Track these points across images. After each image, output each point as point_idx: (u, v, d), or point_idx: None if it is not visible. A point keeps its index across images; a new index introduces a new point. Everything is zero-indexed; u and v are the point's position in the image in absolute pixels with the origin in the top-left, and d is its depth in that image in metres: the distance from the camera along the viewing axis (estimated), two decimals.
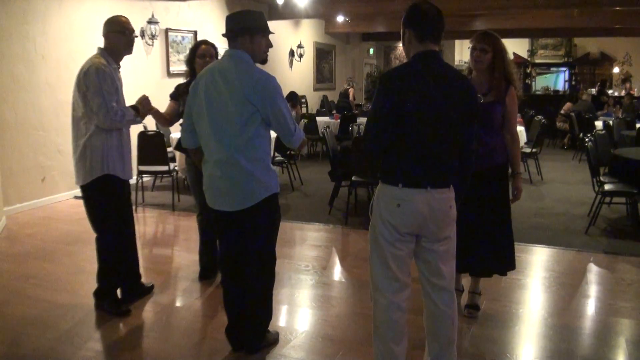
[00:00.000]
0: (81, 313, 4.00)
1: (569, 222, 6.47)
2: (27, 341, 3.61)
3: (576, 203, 7.30)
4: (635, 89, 16.64)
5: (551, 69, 19.00)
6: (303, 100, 14.17)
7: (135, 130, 5.72)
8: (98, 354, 3.50)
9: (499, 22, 12.99)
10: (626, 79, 17.44)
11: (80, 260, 5.10)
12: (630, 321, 3.92)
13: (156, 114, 4.24)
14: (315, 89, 15.73)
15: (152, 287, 4.38)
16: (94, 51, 3.85)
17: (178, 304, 4.28)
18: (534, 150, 9.09)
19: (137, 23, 8.79)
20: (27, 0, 7.01)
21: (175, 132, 7.69)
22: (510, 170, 3.79)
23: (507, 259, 3.85)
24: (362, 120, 10.28)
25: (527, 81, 18.65)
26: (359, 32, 17.52)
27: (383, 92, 2.60)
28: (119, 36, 3.81)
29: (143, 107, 3.89)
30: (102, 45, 3.86)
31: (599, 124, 11.16)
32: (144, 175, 7.23)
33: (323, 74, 16.31)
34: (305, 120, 10.93)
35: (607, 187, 6.09)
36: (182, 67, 9.46)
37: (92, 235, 4.00)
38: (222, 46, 3.54)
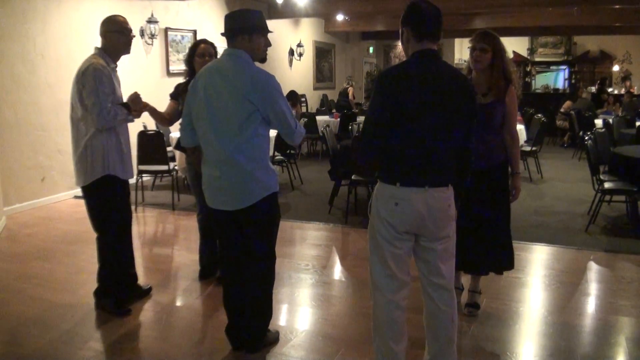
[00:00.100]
0: (81, 313, 4.01)
1: (568, 220, 6.47)
2: (27, 341, 3.61)
3: (576, 201, 7.30)
4: (635, 87, 16.62)
5: (551, 67, 18.97)
6: (303, 99, 14.17)
7: (135, 129, 5.73)
8: (98, 353, 3.50)
9: (498, 21, 12.99)
10: (626, 77, 17.42)
11: (80, 260, 5.10)
12: (630, 319, 3.93)
13: (153, 112, 4.23)
14: (315, 88, 15.73)
15: (149, 289, 4.36)
16: (93, 51, 3.85)
17: (178, 303, 4.29)
18: (534, 148, 9.09)
19: (137, 22, 8.80)
20: (26, 0, 7.01)
21: (175, 132, 7.68)
22: (509, 170, 3.79)
23: (505, 258, 3.85)
24: (362, 119, 10.26)
25: (527, 79, 18.63)
26: (359, 31, 17.51)
27: (380, 91, 2.60)
28: (117, 36, 3.81)
29: (134, 105, 3.87)
30: (99, 44, 3.85)
31: (598, 122, 11.16)
32: (143, 175, 7.23)
33: (323, 73, 16.31)
34: (305, 119, 10.93)
35: (607, 185, 6.09)
36: (182, 67, 9.43)
37: (92, 235, 4.00)
38: (221, 45, 3.54)
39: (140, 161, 6.89)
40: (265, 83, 3.02)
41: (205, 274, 4.60)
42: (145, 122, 7.32)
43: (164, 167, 7.00)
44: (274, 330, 3.59)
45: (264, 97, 2.99)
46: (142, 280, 4.44)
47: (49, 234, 6.06)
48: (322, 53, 16.13)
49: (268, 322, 3.43)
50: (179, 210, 7.05)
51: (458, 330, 2.95)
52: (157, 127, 7.50)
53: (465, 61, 15.24)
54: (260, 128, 3.06)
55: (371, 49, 19.78)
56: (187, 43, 9.97)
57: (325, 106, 14.91)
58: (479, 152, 3.38)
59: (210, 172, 3.15)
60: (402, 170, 2.62)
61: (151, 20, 9.03)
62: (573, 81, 18.33)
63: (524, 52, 18.77)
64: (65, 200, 7.54)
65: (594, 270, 4.98)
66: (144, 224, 6.61)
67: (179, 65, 9.64)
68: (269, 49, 3.23)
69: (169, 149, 7.30)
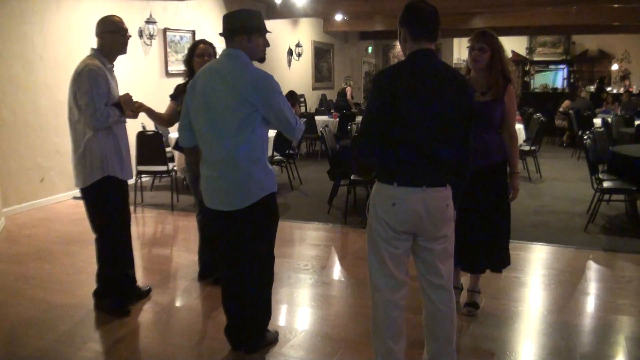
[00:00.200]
0: (81, 313, 4.00)
1: (568, 219, 6.47)
2: (26, 342, 3.61)
3: (575, 200, 7.30)
4: (634, 86, 16.64)
5: (550, 66, 18.98)
6: (302, 99, 14.17)
7: (133, 130, 5.73)
8: (98, 354, 3.50)
9: (497, 20, 12.99)
10: (625, 76, 17.43)
11: (79, 260, 5.10)
12: (629, 318, 3.93)
13: (150, 113, 4.23)
14: (314, 88, 15.73)
15: (149, 290, 4.35)
16: (89, 52, 3.84)
17: (177, 303, 4.28)
18: (532, 148, 9.10)
19: (135, 23, 8.80)
20: (25, 1, 7.01)
21: (173, 132, 7.66)
22: (508, 169, 3.79)
23: (502, 257, 3.86)
24: (360, 119, 10.27)
25: (525, 79, 18.64)
26: (358, 31, 17.51)
27: (377, 91, 2.60)
28: (113, 36, 3.80)
29: (126, 105, 3.85)
30: (95, 45, 3.84)
31: (597, 121, 11.16)
32: (142, 176, 7.22)
33: (322, 73, 16.31)
34: (304, 120, 10.92)
35: (605, 184, 6.10)
36: (181, 67, 9.49)
37: (91, 235, 4.00)
38: (220, 45, 3.54)
39: (139, 162, 6.89)
40: (264, 83, 3.02)
41: (205, 275, 4.59)
42: (144, 122, 7.31)
43: (163, 168, 7.00)
44: (273, 330, 3.58)
45: (263, 98, 2.99)
46: (141, 280, 4.44)
47: (48, 234, 6.06)
48: (321, 53, 16.13)
49: (267, 322, 3.43)
50: (178, 210, 7.05)
51: (457, 330, 2.95)
52: (156, 127, 7.48)
53: (464, 61, 15.25)
54: (259, 128, 3.06)
55: (370, 49, 19.78)
56: (186, 43, 9.97)
57: (324, 106, 14.91)
58: (477, 152, 3.38)
59: (209, 172, 3.15)
60: (399, 170, 2.62)
61: (150, 21, 9.02)
62: (572, 80, 18.34)
63: (522, 52, 18.77)
64: (64, 201, 7.54)
65: (593, 270, 4.99)
66: (143, 225, 6.61)
67: (177, 66, 9.64)
68: (267, 49, 3.24)
69: (167, 149, 7.30)
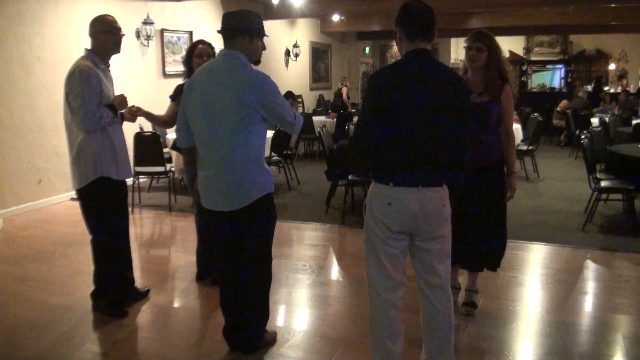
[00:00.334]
0: (78, 315, 4.00)
1: (565, 219, 6.48)
2: (24, 343, 3.61)
3: (573, 200, 7.30)
4: (632, 86, 16.66)
5: (547, 66, 18.99)
6: (299, 99, 14.18)
7: (131, 131, 5.72)
8: (95, 355, 3.49)
9: (494, 20, 13.00)
10: (622, 75, 17.45)
11: (77, 262, 5.09)
12: (627, 317, 3.93)
13: (149, 116, 4.23)
14: (312, 89, 15.73)
15: (147, 291, 4.35)
16: (83, 52, 3.84)
17: (175, 304, 4.28)
18: (530, 147, 9.10)
19: (132, 24, 8.79)
20: (22, 2, 7.00)
21: (171, 133, 7.67)
22: (505, 169, 3.80)
23: (498, 256, 3.86)
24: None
25: (523, 79, 18.65)
26: (355, 31, 17.51)
27: (372, 91, 2.61)
28: (106, 36, 3.78)
29: (120, 106, 3.83)
30: (89, 46, 3.83)
31: (595, 120, 11.17)
32: (140, 176, 7.22)
33: (319, 73, 16.31)
34: (302, 122, 10.89)
35: (603, 183, 6.10)
36: (178, 68, 9.51)
37: (89, 237, 3.99)
38: (218, 46, 3.54)
39: (137, 162, 6.88)
40: (261, 84, 3.03)
41: (203, 275, 4.59)
42: (141, 123, 7.31)
43: (161, 169, 6.99)
44: (272, 330, 3.58)
45: (261, 99, 3.00)
46: (139, 281, 4.43)
47: (46, 236, 6.05)
48: (318, 53, 16.13)
49: (265, 322, 3.43)
50: (175, 211, 7.04)
51: (455, 330, 2.95)
52: (154, 128, 7.49)
53: (461, 61, 15.25)
54: (256, 129, 3.06)
55: (367, 49, 19.79)
56: (183, 44, 9.96)
57: (322, 106, 14.91)
58: (475, 151, 3.39)
59: (206, 172, 3.16)
60: (395, 170, 2.62)
61: (147, 22, 9.01)
62: (569, 80, 18.36)
63: (520, 52, 18.78)
64: (62, 202, 7.53)
65: (590, 269, 4.99)
66: (141, 226, 6.61)
67: (175, 67, 9.64)
68: (264, 49, 3.24)
69: (165, 150, 7.30)
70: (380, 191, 2.67)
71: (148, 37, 9.09)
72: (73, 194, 6.89)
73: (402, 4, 2.67)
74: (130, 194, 5.75)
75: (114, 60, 3.93)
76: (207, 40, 4.48)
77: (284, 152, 8.36)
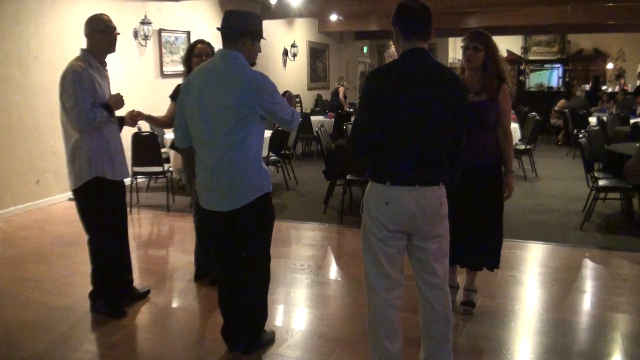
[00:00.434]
0: (77, 315, 4.00)
1: (563, 218, 6.48)
2: (22, 344, 3.60)
3: (571, 199, 7.31)
4: (629, 85, 16.67)
5: (545, 65, 19.02)
6: (297, 99, 14.18)
7: (129, 131, 5.71)
8: (94, 355, 3.49)
9: (492, 20, 13.00)
10: (620, 74, 17.47)
11: (75, 262, 5.08)
12: (625, 316, 3.94)
13: (150, 120, 4.23)
14: (310, 88, 15.73)
15: (147, 292, 4.33)
16: (78, 52, 3.83)
17: (174, 304, 4.28)
18: (528, 147, 9.11)
19: (130, 24, 8.79)
20: (20, 2, 6.99)
21: (169, 133, 7.67)
22: (503, 168, 3.80)
23: (495, 256, 3.86)
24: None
25: (520, 78, 18.67)
26: (353, 31, 17.50)
27: (368, 91, 2.61)
28: (101, 35, 3.77)
29: (116, 106, 3.82)
30: (84, 46, 3.81)
31: (593, 120, 11.18)
32: (138, 177, 7.21)
33: (317, 73, 16.31)
34: (300, 120, 10.91)
35: (601, 182, 6.11)
36: (176, 68, 9.51)
37: (86, 237, 3.99)
38: (217, 46, 3.54)
39: (135, 163, 6.87)
40: (259, 84, 3.03)
41: (201, 275, 4.59)
42: (139, 123, 7.29)
43: (159, 169, 6.98)
44: (270, 330, 3.58)
45: (260, 99, 3.00)
46: (137, 282, 4.42)
47: (44, 236, 6.04)
48: (316, 53, 16.13)
49: (264, 322, 3.43)
50: (173, 211, 7.04)
51: (454, 329, 2.95)
52: (151, 128, 7.48)
53: (459, 60, 15.26)
54: (254, 128, 3.06)
55: (365, 49, 19.80)
56: (181, 44, 9.96)
57: (320, 106, 14.91)
58: (472, 151, 3.39)
59: (204, 172, 3.15)
60: (392, 169, 2.62)
61: (145, 22, 9.00)
62: (567, 79, 18.38)
63: (517, 51, 18.80)
64: (60, 203, 7.52)
65: (589, 268, 5.00)
66: (139, 226, 6.60)
67: (173, 67, 9.63)
68: (262, 49, 3.25)
69: (163, 150, 7.29)
70: (378, 190, 2.66)
71: (146, 37, 9.08)
72: (71, 194, 6.89)
73: (399, 3, 2.66)
74: (128, 194, 5.74)
75: (111, 60, 3.93)
76: (206, 39, 4.48)
77: (282, 152, 8.36)
